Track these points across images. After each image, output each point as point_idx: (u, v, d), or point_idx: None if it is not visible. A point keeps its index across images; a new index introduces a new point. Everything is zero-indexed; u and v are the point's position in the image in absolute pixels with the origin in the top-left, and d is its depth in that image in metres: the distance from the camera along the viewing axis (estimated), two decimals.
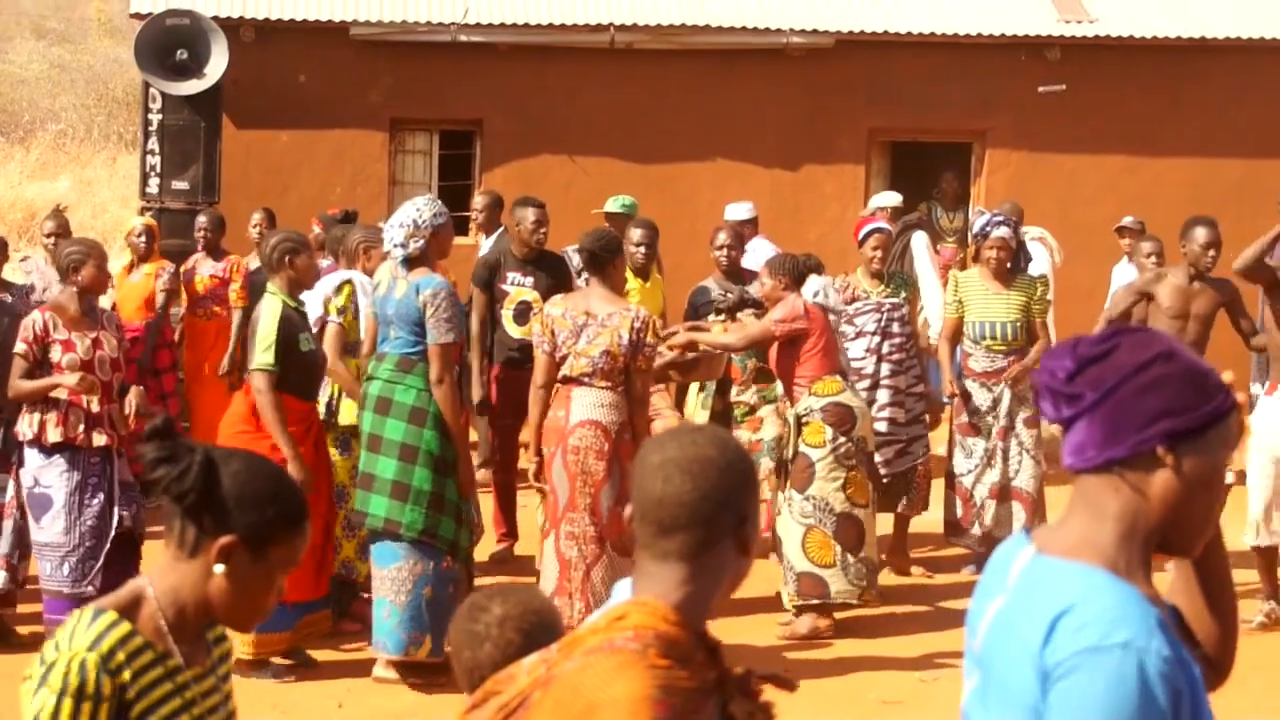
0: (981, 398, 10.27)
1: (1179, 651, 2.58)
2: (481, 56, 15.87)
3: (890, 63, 16.18)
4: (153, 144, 14.70)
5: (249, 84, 15.29)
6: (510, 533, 10.62)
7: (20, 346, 8.17)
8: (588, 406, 8.05)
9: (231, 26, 15.16)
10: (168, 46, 14.47)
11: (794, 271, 9.32)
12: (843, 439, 9.01)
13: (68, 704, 2.90)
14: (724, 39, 15.99)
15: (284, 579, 3.08)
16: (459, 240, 10.18)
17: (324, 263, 12.31)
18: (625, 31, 15.90)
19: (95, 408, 8.15)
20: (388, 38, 15.78)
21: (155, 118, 14.70)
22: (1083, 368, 2.66)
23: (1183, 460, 2.62)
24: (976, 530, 10.32)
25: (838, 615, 9.19)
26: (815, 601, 9.02)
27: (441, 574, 8.05)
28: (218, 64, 14.47)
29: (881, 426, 10.24)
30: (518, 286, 10.47)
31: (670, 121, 16.00)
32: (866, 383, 10.33)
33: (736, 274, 10.64)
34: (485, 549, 10.03)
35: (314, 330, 8.65)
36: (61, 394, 8.11)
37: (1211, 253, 9.86)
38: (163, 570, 3.05)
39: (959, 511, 10.36)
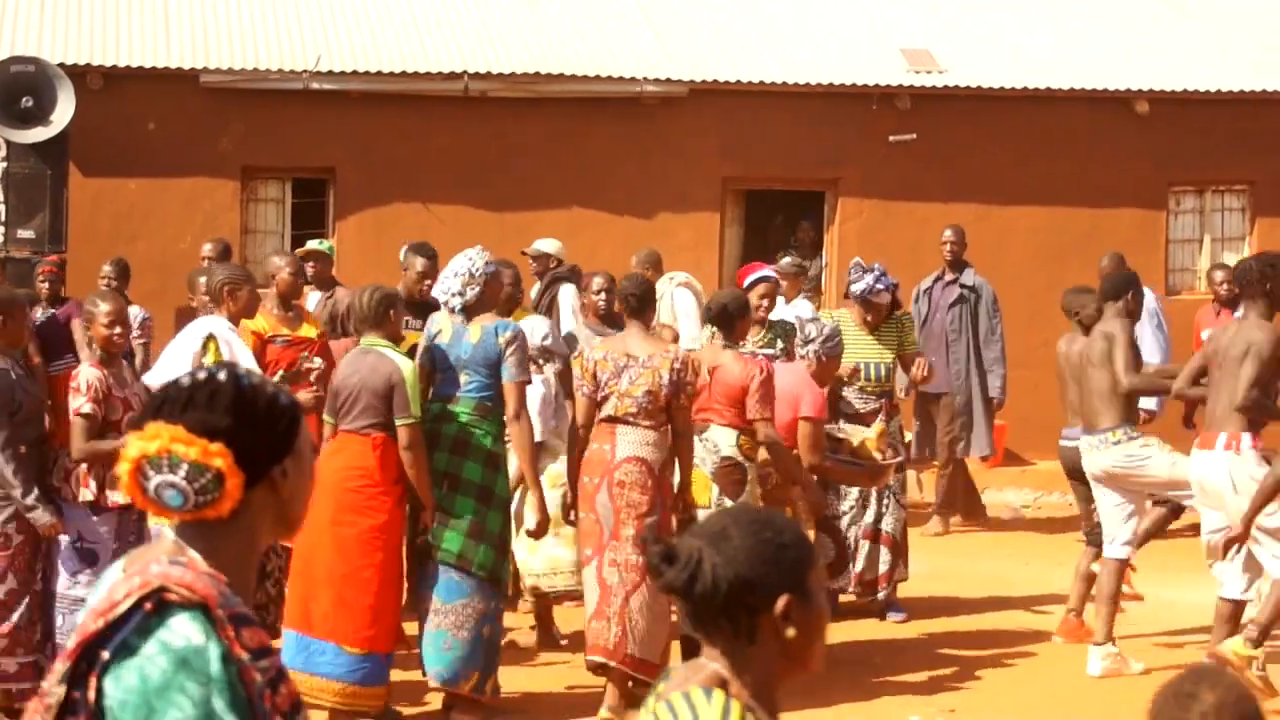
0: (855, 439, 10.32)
1: None
2: (334, 104, 15.76)
3: (744, 112, 16.28)
4: None
5: (96, 132, 15.04)
6: None
7: (88, 407, 7.84)
8: (633, 444, 8.40)
9: (78, 74, 14.94)
10: (13, 94, 14.22)
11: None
12: None
13: None
14: (578, 87, 16.01)
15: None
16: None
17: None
18: (479, 79, 15.87)
19: None
20: (238, 85, 15.62)
21: (0, 165, 14.47)
22: None
23: None
24: (850, 573, 10.32)
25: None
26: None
27: (497, 614, 8.36)
28: (64, 111, 14.24)
29: None
30: (411, 330, 10.05)
31: (524, 169, 15.97)
32: None
33: (612, 320, 10.51)
34: None
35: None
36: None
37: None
38: (723, 655, 2.92)
39: (832, 554, 10.36)
